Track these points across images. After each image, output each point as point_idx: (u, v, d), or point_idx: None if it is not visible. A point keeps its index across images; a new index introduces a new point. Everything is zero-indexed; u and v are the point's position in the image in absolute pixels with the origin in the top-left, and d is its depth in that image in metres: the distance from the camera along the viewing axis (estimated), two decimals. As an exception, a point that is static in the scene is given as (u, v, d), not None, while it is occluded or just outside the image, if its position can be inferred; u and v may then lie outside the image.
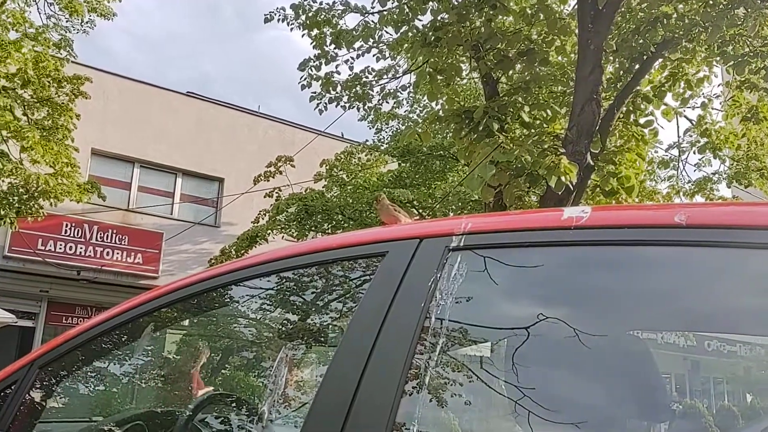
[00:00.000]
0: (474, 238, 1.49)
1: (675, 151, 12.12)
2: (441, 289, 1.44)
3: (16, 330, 14.85)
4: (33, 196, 10.84)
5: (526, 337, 1.39)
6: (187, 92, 18.19)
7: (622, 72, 9.06)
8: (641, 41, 8.38)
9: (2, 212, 10.48)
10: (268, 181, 14.45)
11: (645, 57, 8.59)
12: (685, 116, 10.76)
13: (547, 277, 1.45)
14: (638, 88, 8.94)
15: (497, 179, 7.39)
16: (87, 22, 11.76)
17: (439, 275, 1.45)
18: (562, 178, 6.75)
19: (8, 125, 10.30)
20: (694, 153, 11.59)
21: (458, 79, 9.62)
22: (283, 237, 14.31)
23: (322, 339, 1.83)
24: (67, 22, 11.67)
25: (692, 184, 13.01)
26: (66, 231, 15.19)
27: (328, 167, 15.52)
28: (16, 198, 10.87)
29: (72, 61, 11.89)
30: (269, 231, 14.06)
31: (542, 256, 1.45)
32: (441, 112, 9.17)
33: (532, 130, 8.38)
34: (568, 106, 8.95)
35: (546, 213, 1.56)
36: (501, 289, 1.50)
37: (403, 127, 15.75)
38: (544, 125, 8.71)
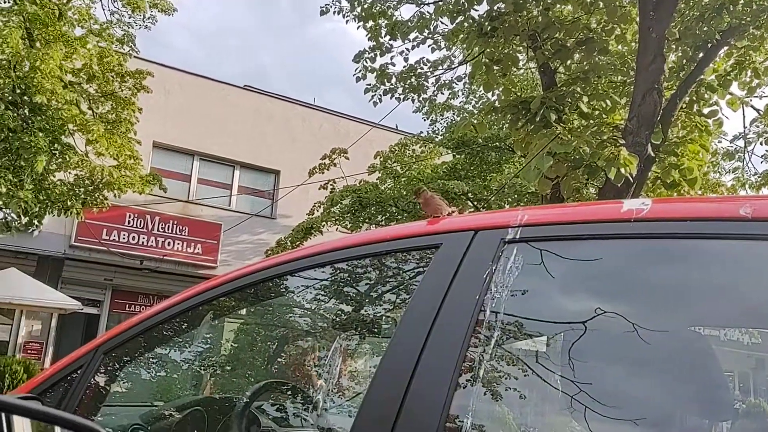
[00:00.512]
0: (530, 231, 1.47)
1: (740, 142, 11.71)
2: (496, 281, 1.42)
3: (82, 317, 15.39)
4: (98, 188, 11.18)
5: (582, 331, 1.36)
6: (245, 86, 18.50)
7: (685, 61, 8.78)
8: (706, 29, 8.10)
9: (69, 203, 10.85)
10: (323, 173, 14.69)
11: (709, 45, 8.30)
12: (752, 106, 10.37)
13: (606, 271, 1.42)
14: (702, 77, 8.65)
15: (555, 171, 7.28)
16: (149, 18, 12.03)
17: (494, 268, 1.43)
18: (622, 170, 6.60)
19: (74, 119, 10.64)
20: (761, 144, 11.17)
21: (515, 69, 9.53)
22: (337, 229, 14.35)
23: (376, 330, 1.84)
24: (129, 18, 11.96)
25: (759, 177, 12.55)
26: (129, 222, 15.70)
27: (382, 159, 15.60)
28: (81, 189, 11.23)
29: (134, 56, 12.18)
30: (324, 222, 14.21)
31: (600, 249, 1.42)
32: (497, 102, 9.04)
33: (591, 121, 8.21)
34: (628, 96, 8.73)
35: (605, 205, 1.53)
36: (558, 283, 1.47)
37: (458, 119, 15.65)
38: (603, 116, 8.51)
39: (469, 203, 13.83)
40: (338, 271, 1.80)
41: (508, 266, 1.44)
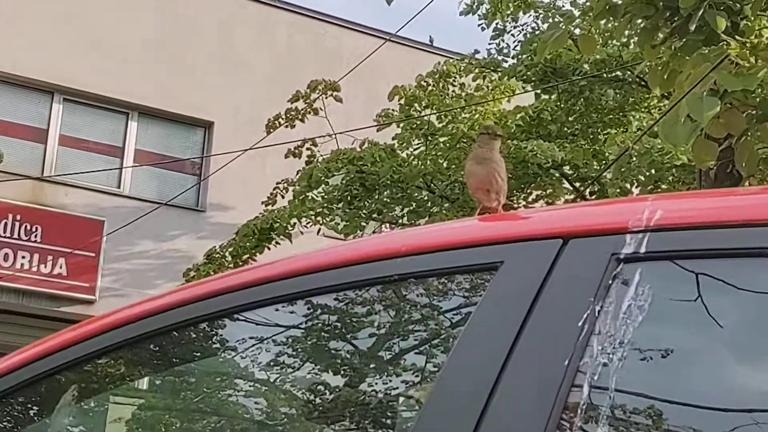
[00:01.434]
0: (668, 239, 1.34)
1: None
2: (602, 333, 1.29)
3: None
4: None
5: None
6: None
7: None
8: None
9: None
10: (293, 127, 12.22)
11: None
12: None
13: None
14: None
15: (725, 125, 5.97)
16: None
17: (598, 308, 1.29)
18: None
19: None
20: None
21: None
22: (320, 231, 12.18)
23: (388, 420, 1.70)
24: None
25: None
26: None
27: (403, 100, 12.48)
28: None
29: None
30: (293, 219, 12.01)
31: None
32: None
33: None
34: None
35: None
36: (729, 336, 1.31)
37: (545, 27, 12.44)
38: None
39: (565, 183, 11.94)
40: (318, 311, 1.69)
41: (625, 305, 1.30)
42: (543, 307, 1.36)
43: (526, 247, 1.47)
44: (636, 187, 11.69)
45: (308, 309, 1.72)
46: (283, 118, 12.31)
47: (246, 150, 12.60)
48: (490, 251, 1.49)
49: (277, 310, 1.71)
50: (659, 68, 6.97)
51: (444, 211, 11.81)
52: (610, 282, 1.33)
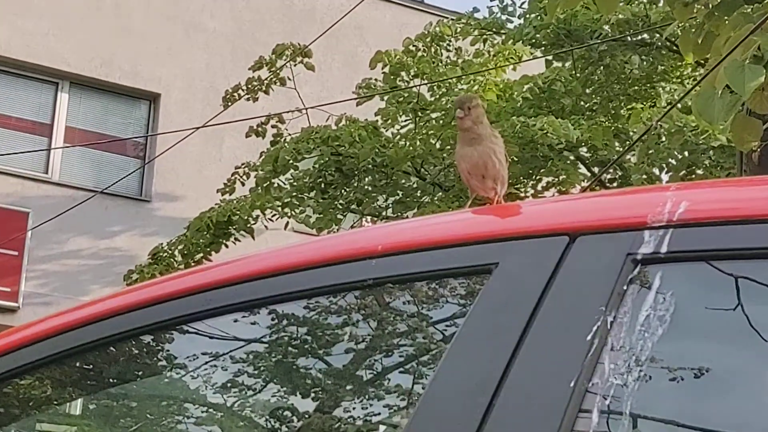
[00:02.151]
0: (695, 235, 1.35)
1: None
2: (615, 349, 1.29)
3: None
4: None
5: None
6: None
7: None
8: None
9: None
10: (255, 100, 12.36)
11: None
12: None
13: None
14: None
15: None
16: None
17: (611, 318, 1.29)
18: None
19: None
20: None
21: None
22: (288, 225, 12.38)
23: None
24: None
25: None
26: None
27: (387, 68, 12.55)
28: None
29: None
30: (255, 212, 12.15)
31: None
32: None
33: None
34: None
35: None
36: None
37: None
38: None
39: (581, 168, 11.98)
40: (284, 321, 1.70)
41: (642, 317, 1.30)
42: (544, 317, 1.34)
43: (525, 245, 1.46)
44: (666, 173, 11.66)
45: (272, 319, 1.70)
46: (243, 90, 12.24)
47: (199, 128, 12.53)
48: (483, 251, 1.48)
49: (236, 320, 1.69)
50: (693, 30, 6.95)
51: (437, 202, 11.77)
52: (625, 287, 1.31)
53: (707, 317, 1.35)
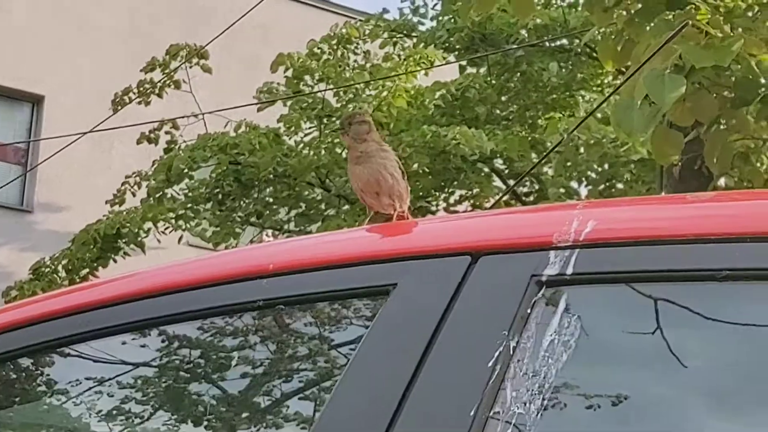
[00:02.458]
0: (602, 256, 1.35)
1: None
2: (517, 376, 1.28)
3: None
4: None
5: None
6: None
7: None
8: None
9: None
10: (148, 104, 12.43)
11: None
12: None
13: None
14: None
15: (691, 110, 6.08)
16: None
17: (513, 344, 1.28)
18: None
19: None
20: None
21: None
22: (182, 239, 12.38)
23: None
24: None
25: None
26: None
27: (290, 72, 12.68)
28: None
29: None
30: (147, 224, 12.12)
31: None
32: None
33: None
34: None
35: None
36: (678, 379, 1.31)
37: None
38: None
39: (496, 181, 11.96)
40: (175, 345, 1.69)
41: (546, 342, 1.29)
42: (444, 342, 1.33)
43: (424, 266, 1.45)
44: (585, 186, 11.82)
45: (162, 341, 1.69)
46: (134, 93, 12.15)
47: (86, 132, 12.30)
48: (380, 271, 1.47)
49: (123, 342, 1.68)
50: (612, 37, 6.93)
51: (342, 215, 11.74)
52: (529, 311, 1.31)
53: (614, 341, 1.35)
